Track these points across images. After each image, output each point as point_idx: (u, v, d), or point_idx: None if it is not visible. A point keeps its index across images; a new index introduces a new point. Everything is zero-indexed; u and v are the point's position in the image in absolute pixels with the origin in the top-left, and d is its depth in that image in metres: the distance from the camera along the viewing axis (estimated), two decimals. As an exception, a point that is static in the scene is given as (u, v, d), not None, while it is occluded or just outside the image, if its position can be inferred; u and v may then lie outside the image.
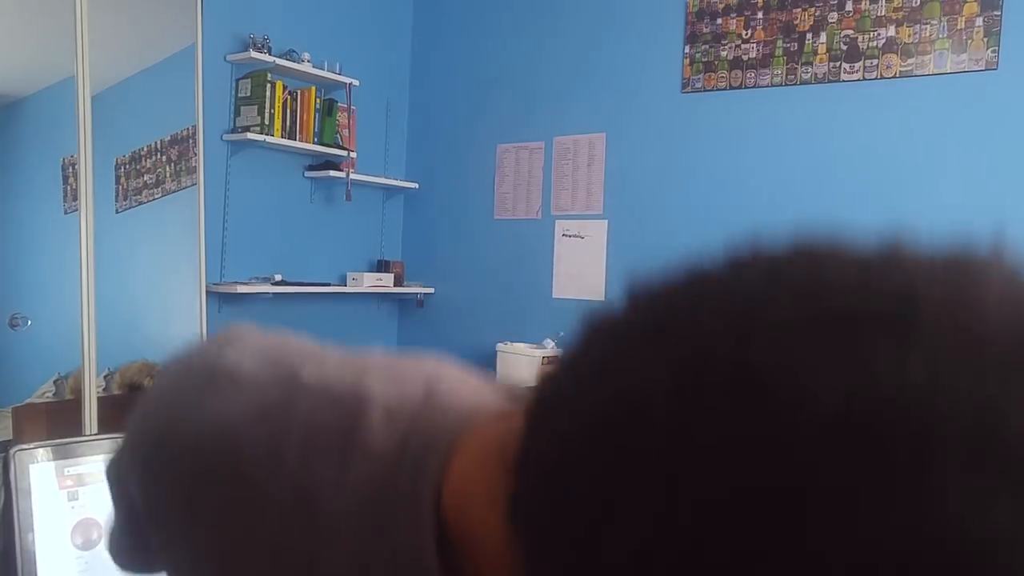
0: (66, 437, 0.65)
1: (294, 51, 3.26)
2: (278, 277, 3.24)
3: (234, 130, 3.15)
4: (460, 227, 3.77)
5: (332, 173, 3.41)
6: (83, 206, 2.59)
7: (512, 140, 3.63)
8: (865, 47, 2.87)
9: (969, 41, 2.71)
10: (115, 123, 2.68)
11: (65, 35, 2.54)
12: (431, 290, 3.81)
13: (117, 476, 0.45)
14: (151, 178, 2.86)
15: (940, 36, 2.76)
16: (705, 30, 3.15)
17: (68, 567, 0.63)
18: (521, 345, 3.40)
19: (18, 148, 2.59)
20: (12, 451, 0.62)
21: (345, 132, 3.46)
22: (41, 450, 0.63)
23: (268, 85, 3.13)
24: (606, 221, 3.40)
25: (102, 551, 0.65)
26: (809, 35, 2.96)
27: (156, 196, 2.87)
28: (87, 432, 2.55)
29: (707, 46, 3.15)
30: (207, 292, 2.97)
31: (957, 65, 2.73)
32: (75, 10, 2.53)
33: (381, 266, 3.73)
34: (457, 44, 3.80)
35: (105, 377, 2.68)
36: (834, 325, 0.23)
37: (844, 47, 2.90)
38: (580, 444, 0.25)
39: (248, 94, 3.14)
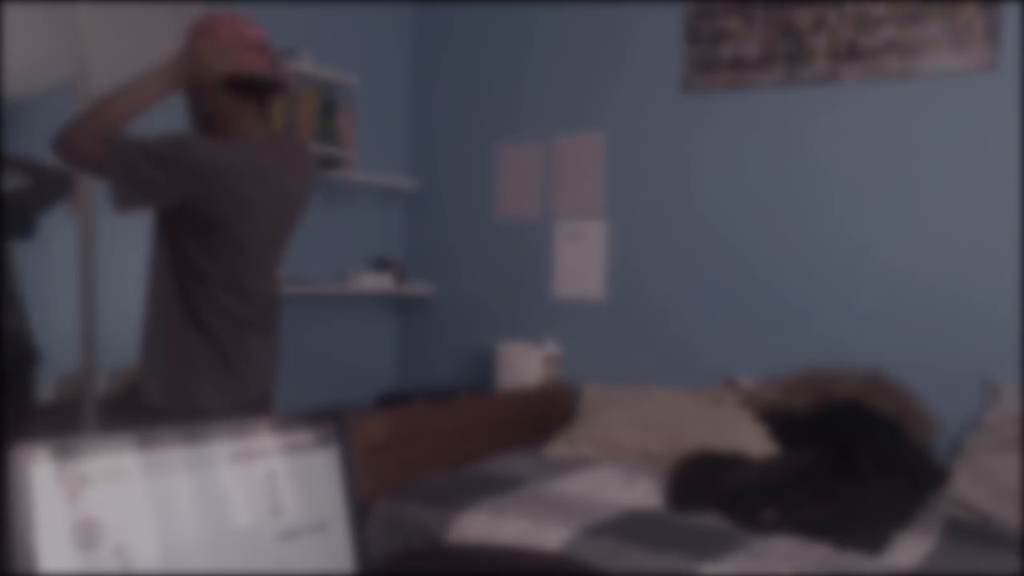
0: (66, 437, 0.66)
1: (294, 50, 3.26)
2: (278, 277, 3.24)
3: (234, 130, 3.14)
4: (460, 227, 3.77)
5: (332, 173, 3.41)
6: (83, 206, 2.59)
7: (512, 140, 3.63)
8: (865, 47, 2.87)
9: (969, 41, 2.71)
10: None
11: (67, 36, 2.54)
12: (431, 290, 3.82)
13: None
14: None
15: (940, 36, 2.76)
16: (704, 30, 3.15)
17: (68, 567, 0.63)
18: (521, 345, 3.40)
19: (20, 148, 2.59)
20: (12, 451, 0.62)
21: (345, 131, 3.46)
22: (41, 450, 0.63)
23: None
24: (606, 221, 3.40)
25: (102, 551, 0.65)
26: (809, 35, 2.96)
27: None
28: (87, 432, 2.55)
29: (706, 46, 3.15)
30: (207, 292, 2.97)
31: (957, 65, 2.73)
32: (76, 10, 2.54)
33: (381, 265, 3.72)
34: (457, 43, 3.80)
35: (105, 377, 2.68)
36: None
37: (844, 47, 2.90)
38: None
39: (248, 94, 3.14)
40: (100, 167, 1.69)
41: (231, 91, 1.77)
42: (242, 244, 1.77)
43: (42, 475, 0.63)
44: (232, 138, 1.78)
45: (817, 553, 1.95)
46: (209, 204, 1.70)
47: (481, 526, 2.14)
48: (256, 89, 1.80)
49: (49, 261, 2.64)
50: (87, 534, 0.64)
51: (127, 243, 2.78)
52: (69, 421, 2.58)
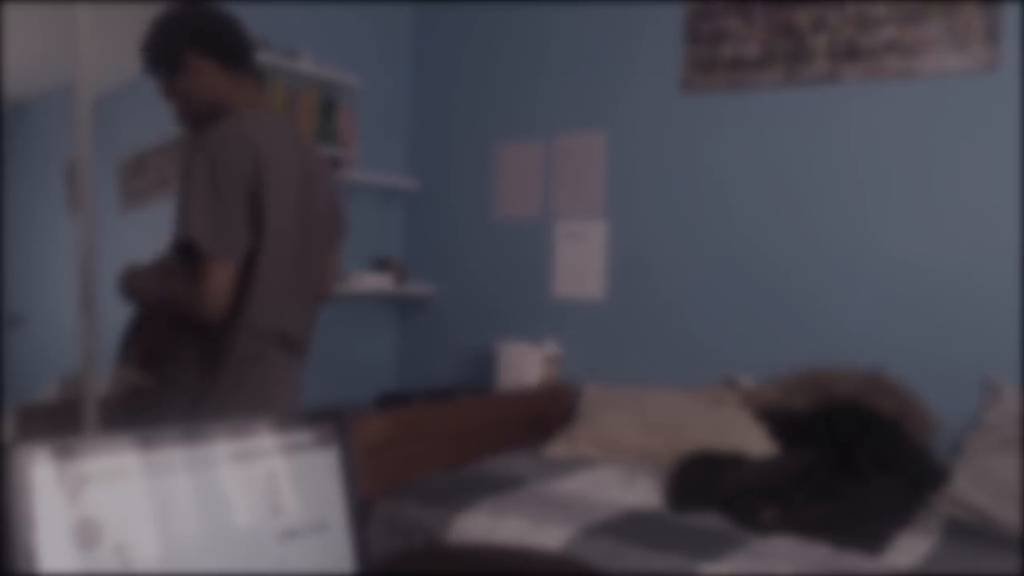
0: (66, 437, 0.66)
1: (294, 50, 3.26)
2: (278, 277, 3.24)
3: (234, 130, 3.14)
4: (460, 227, 3.77)
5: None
6: (83, 207, 2.60)
7: (512, 139, 3.63)
8: (865, 47, 2.87)
9: (969, 41, 2.71)
10: (121, 124, 2.69)
11: (67, 37, 2.54)
12: (431, 290, 3.82)
13: None
14: (156, 179, 2.86)
15: (940, 36, 2.76)
16: (704, 30, 3.15)
17: (68, 567, 0.63)
18: (521, 345, 3.40)
19: (26, 149, 2.59)
20: (12, 451, 0.62)
21: (345, 131, 3.46)
22: (41, 450, 0.63)
23: (268, 84, 3.13)
24: (606, 221, 3.40)
25: (102, 551, 0.65)
26: (809, 35, 2.96)
27: (161, 197, 2.87)
28: (87, 432, 2.55)
29: (706, 46, 3.15)
30: (207, 292, 2.97)
31: (957, 65, 2.73)
32: (76, 11, 2.54)
33: (381, 265, 3.73)
34: (457, 44, 3.80)
35: (105, 377, 2.68)
36: None
37: (844, 47, 2.90)
38: None
39: (248, 94, 3.14)
40: (231, 286, 1.64)
41: (223, 69, 1.77)
42: (271, 228, 1.71)
43: (42, 475, 0.63)
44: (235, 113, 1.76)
45: (817, 553, 1.95)
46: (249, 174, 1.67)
47: (481, 526, 2.14)
48: (243, 58, 1.80)
49: (49, 261, 2.64)
50: (87, 534, 0.65)
51: (128, 243, 2.79)
52: (69, 421, 2.58)
